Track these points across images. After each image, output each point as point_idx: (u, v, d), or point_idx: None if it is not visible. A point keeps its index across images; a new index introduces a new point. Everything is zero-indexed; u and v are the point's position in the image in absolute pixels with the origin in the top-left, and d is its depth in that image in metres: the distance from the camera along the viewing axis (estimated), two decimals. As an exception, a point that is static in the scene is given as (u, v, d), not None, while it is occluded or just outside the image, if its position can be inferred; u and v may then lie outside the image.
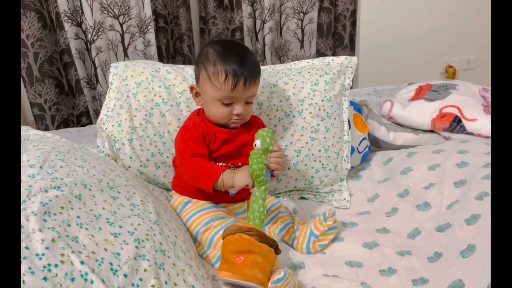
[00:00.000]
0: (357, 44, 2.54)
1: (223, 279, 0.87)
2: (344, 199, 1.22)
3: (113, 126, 1.20)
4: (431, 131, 1.41)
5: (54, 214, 0.74)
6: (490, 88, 1.54)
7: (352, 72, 1.34)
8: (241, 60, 1.01)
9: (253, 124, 1.15)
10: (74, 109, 2.33)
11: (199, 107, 1.14)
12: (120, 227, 0.81)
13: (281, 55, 2.47)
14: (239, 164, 1.08)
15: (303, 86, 1.27)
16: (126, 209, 0.87)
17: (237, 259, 0.87)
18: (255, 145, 1.01)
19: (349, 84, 1.32)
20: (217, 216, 1.03)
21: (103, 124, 1.21)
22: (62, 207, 0.76)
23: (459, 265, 0.88)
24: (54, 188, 0.79)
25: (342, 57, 1.36)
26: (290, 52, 2.46)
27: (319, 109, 1.25)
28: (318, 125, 1.23)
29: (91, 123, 2.33)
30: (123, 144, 1.17)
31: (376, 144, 1.43)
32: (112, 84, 1.28)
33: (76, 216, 0.77)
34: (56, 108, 2.23)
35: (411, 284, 0.89)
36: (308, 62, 1.38)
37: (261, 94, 1.27)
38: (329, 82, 1.29)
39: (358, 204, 1.20)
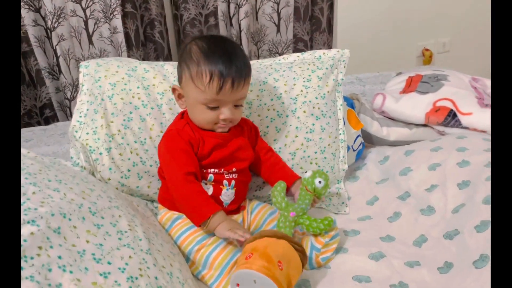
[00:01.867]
0: (335, 28, 2.46)
1: (260, 275, 0.77)
2: (343, 203, 1.16)
3: (87, 134, 1.07)
4: (424, 125, 1.36)
5: (31, 258, 0.63)
6: (479, 78, 1.50)
7: (344, 66, 1.26)
8: (228, 59, 0.92)
9: (244, 127, 1.06)
10: (37, 100, 2.15)
11: (183, 109, 1.04)
12: (109, 263, 0.70)
13: (257, 41, 2.36)
14: (233, 169, 0.99)
15: (295, 83, 1.18)
16: (113, 238, 0.76)
17: (279, 264, 0.80)
18: (319, 181, 0.98)
19: (342, 79, 1.24)
20: (208, 234, 0.93)
21: (76, 132, 1.08)
22: (40, 247, 0.65)
23: (473, 276, 0.84)
24: (28, 222, 0.67)
25: (334, 50, 1.27)
26: (266, 37, 2.35)
27: (314, 107, 1.17)
28: (313, 124, 1.15)
29: (55, 116, 2.16)
30: (101, 154, 1.05)
31: (369, 140, 1.37)
32: (83, 85, 1.14)
33: (57, 256, 0.65)
34: (19, 98, 2.05)
35: (425, 299, 0.84)
36: (298, 56, 1.28)
37: (250, 92, 1.16)
38: (322, 77, 1.20)
39: (357, 208, 1.14)
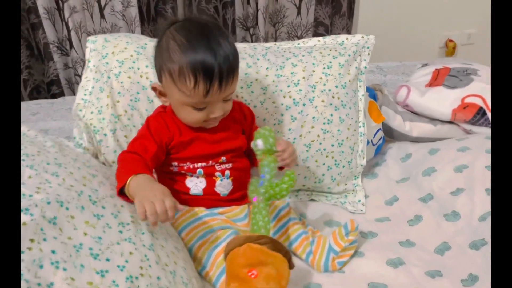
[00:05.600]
0: (356, 13, 2.35)
1: None
2: (359, 201, 1.09)
3: (92, 113, 1.00)
4: (450, 122, 1.28)
5: (22, 252, 0.57)
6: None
7: (369, 54, 1.17)
8: (213, 55, 0.78)
9: (235, 114, 0.95)
10: (44, 76, 2.08)
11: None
12: (108, 260, 0.64)
13: (275, 22, 2.26)
14: (223, 159, 0.91)
15: (314, 69, 1.10)
16: (113, 231, 0.70)
17: (250, 273, 0.73)
18: (256, 145, 0.86)
19: (365, 67, 1.15)
20: (213, 228, 0.87)
21: (80, 110, 1.01)
22: (32, 240, 0.59)
23: (500, 292, 0.77)
24: (21, 211, 0.61)
25: (358, 36, 1.18)
26: (285, 19, 2.25)
27: (333, 97, 1.09)
28: (332, 115, 1.07)
29: (62, 94, 2.09)
30: (105, 135, 0.98)
31: (389, 135, 1.29)
32: (89, 61, 1.06)
33: (50, 251, 0.59)
34: (28, 72, 2.00)
35: (446, 314, 0.77)
36: (319, 41, 1.19)
37: (265, 77, 1.09)
38: (344, 65, 1.12)
39: (375, 208, 1.07)
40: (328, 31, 2.27)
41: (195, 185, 0.89)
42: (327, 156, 1.07)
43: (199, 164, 0.89)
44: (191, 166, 0.89)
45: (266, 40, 2.23)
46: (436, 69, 1.41)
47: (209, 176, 0.90)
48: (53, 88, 2.11)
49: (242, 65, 1.09)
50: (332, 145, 1.07)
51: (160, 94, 0.90)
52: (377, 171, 1.18)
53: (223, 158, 0.91)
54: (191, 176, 0.90)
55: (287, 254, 0.77)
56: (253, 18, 2.17)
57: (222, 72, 0.79)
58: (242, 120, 0.97)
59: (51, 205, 0.66)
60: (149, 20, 2.08)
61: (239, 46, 1.17)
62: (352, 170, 1.11)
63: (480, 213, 0.95)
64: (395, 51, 2.37)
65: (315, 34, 2.27)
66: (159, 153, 0.87)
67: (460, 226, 0.96)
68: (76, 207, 0.69)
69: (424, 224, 0.99)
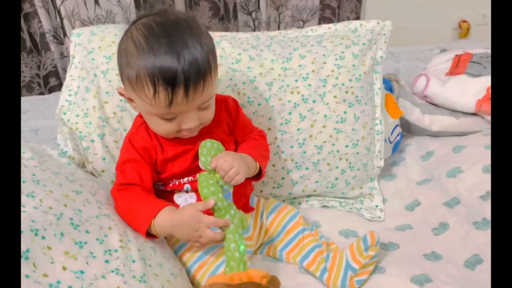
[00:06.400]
0: (365, -7, 2.21)
1: None
2: (377, 206, 0.98)
3: (77, 116, 0.90)
4: (474, 114, 1.16)
5: (-17, 301, 0.47)
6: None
7: (385, 42, 1.05)
8: (176, 58, 0.65)
9: (221, 113, 0.82)
10: (40, 69, 1.98)
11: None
12: (90, 300, 0.55)
13: (279, 5, 2.13)
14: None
15: (325, 61, 0.98)
16: (98, 262, 0.60)
17: None
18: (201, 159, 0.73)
19: (381, 57, 1.04)
20: (212, 246, 0.77)
21: (64, 114, 0.91)
22: (-3, 283, 0.49)
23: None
24: (-15, 246, 0.52)
25: (373, 22, 1.06)
26: (289, 2, 2.12)
27: (346, 92, 0.97)
28: (345, 112, 0.96)
29: (61, 85, 1.99)
30: (93, 141, 0.88)
31: (407, 129, 1.18)
32: (74, 58, 0.95)
33: (19, 295, 0.50)
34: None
35: None
36: (330, 28, 1.07)
37: (270, 70, 0.97)
38: (358, 55, 1.00)
39: (394, 214, 0.97)
40: (335, 14, 2.14)
41: (185, 200, 0.78)
42: (340, 158, 0.96)
43: (186, 179, 0.78)
44: (176, 183, 0.78)
45: (268, 24, 2.10)
46: (457, 55, 1.29)
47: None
48: (52, 80, 2.01)
49: (244, 57, 0.98)
50: (346, 146, 0.96)
51: (129, 99, 0.76)
52: (395, 171, 1.08)
53: None
54: (180, 191, 0.79)
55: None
56: (255, 1, 2.04)
57: (188, 78, 0.66)
58: (228, 120, 0.84)
59: (23, 235, 0.56)
60: (146, 6, 1.96)
61: (241, 36, 1.06)
62: (368, 172, 1.00)
63: (515, 221, 0.85)
64: (406, 33, 2.23)
65: (321, 18, 2.14)
66: (153, 174, 0.77)
67: (493, 235, 0.85)
68: (55, 235, 0.59)
69: (451, 233, 0.89)
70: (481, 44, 1.53)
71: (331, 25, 1.08)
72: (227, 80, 0.97)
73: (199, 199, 0.77)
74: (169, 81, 0.65)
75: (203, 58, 0.68)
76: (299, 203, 1.01)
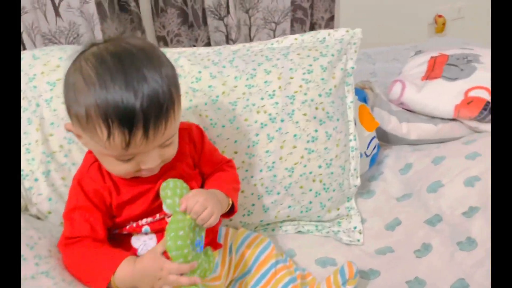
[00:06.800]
0: (337, -8, 2.15)
1: None
2: (355, 228, 0.92)
3: (20, 152, 0.81)
4: (453, 119, 1.11)
5: None
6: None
7: (355, 51, 0.98)
8: (133, 94, 0.56)
9: (184, 145, 0.74)
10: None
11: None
12: None
13: (249, 8, 2.06)
14: (166, 217, 0.69)
15: (292, 76, 0.91)
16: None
17: None
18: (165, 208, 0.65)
19: (352, 67, 0.97)
20: None
21: (4, 150, 0.82)
22: None
23: None
24: None
25: (341, 31, 0.99)
26: (260, 4, 2.05)
27: (316, 108, 0.90)
28: (316, 131, 0.89)
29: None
30: (36, 180, 0.79)
31: (384, 139, 1.12)
32: (13, 87, 0.86)
33: None
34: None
35: None
36: (296, 39, 1.00)
37: (234, 89, 0.90)
38: (327, 67, 0.93)
39: (374, 235, 0.90)
40: (307, 15, 2.08)
41: (144, 243, 0.69)
42: (314, 180, 0.89)
43: (144, 221, 0.69)
44: (134, 225, 0.69)
45: (239, 28, 2.03)
46: (432, 57, 1.23)
47: (161, 231, 0.70)
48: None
49: (205, 75, 0.90)
50: (319, 167, 0.89)
51: (78, 135, 0.66)
52: (374, 187, 1.01)
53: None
54: (137, 233, 0.71)
55: None
56: (225, 6, 1.96)
57: (148, 117, 0.57)
58: (193, 152, 0.76)
59: None
60: (113, 16, 1.86)
61: (201, 51, 0.98)
62: (345, 192, 0.93)
63: (501, 240, 0.79)
64: (382, 32, 2.18)
65: (294, 19, 2.08)
66: (107, 220, 0.68)
67: (478, 257, 0.79)
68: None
69: (434, 256, 0.83)
70: (456, 41, 1.48)
71: (297, 35, 1.01)
72: (187, 102, 0.89)
73: (159, 240, 0.69)
74: (125, 121, 0.56)
75: (165, 92, 0.59)
76: (273, 230, 0.94)
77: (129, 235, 0.70)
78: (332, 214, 0.93)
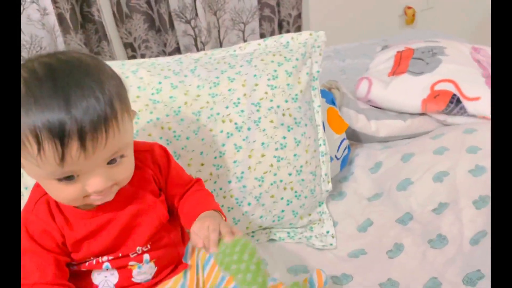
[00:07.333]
0: (305, -12, 2.14)
1: None
2: (328, 232, 0.91)
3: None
4: (422, 114, 1.11)
5: None
6: (480, 47, 1.24)
7: (320, 54, 0.97)
8: (62, 102, 0.52)
9: (147, 170, 0.69)
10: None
11: None
12: None
13: (216, 10, 2.03)
14: (137, 248, 0.66)
15: (257, 83, 0.90)
16: None
17: None
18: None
19: (318, 71, 0.96)
20: None
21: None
22: None
23: None
24: None
25: (305, 34, 0.98)
26: (227, 5, 2.02)
27: (283, 115, 0.89)
28: (284, 137, 0.89)
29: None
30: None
31: (355, 138, 1.12)
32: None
33: None
34: None
35: None
36: (259, 44, 0.99)
37: (196, 98, 0.88)
38: (292, 72, 0.92)
39: (347, 238, 0.90)
40: (275, 12, 2.06)
41: (105, 280, 0.66)
42: (285, 188, 0.89)
43: (105, 258, 0.66)
44: (93, 262, 0.66)
45: (208, 31, 2.00)
46: (398, 52, 1.24)
47: (122, 267, 0.67)
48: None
49: (165, 86, 0.88)
50: (290, 174, 0.88)
51: None
52: (345, 188, 1.01)
53: (138, 248, 0.66)
54: (98, 270, 0.67)
55: None
56: (192, 9, 1.93)
57: (82, 126, 0.52)
58: (158, 176, 0.71)
59: None
60: (77, 27, 1.81)
61: (161, 61, 0.96)
62: (317, 198, 0.93)
63: (471, 235, 0.80)
64: (351, 26, 2.18)
65: (262, 18, 2.06)
66: (61, 259, 0.63)
67: (449, 254, 0.80)
68: None
69: (406, 255, 0.83)
70: (426, 34, 1.49)
71: (260, 41, 0.99)
72: (147, 114, 0.86)
73: (121, 276, 0.66)
74: (55, 131, 0.52)
75: (105, 100, 0.55)
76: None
77: (89, 271, 0.67)
78: (304, 221, 0.93)
